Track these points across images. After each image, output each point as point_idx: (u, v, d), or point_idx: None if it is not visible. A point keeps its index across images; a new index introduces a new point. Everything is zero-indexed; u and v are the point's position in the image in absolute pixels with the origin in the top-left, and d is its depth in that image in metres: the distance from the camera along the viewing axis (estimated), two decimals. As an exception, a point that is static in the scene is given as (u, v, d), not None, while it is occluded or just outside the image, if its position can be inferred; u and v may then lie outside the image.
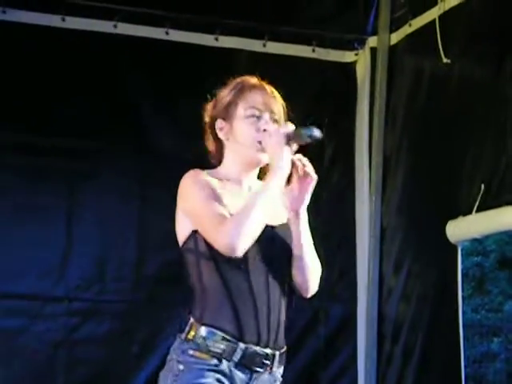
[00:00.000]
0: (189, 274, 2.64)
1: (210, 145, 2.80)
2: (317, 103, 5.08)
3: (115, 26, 4.73)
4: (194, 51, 4.88)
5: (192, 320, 2.57)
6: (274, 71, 4.96)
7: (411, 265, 4.73)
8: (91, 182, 4.78)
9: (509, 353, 9.88)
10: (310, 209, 5.03)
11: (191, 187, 2.64)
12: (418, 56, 4.84)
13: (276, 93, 2.76)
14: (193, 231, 2.61)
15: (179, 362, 2.54)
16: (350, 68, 5.16)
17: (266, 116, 2.68)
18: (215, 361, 2.53)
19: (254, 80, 2.78)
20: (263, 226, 2.55)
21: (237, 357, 2.53)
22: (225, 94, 2.74)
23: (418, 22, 4.78)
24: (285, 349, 2.74)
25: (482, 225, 4.08)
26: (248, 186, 2.70)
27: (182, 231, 2.66)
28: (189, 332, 2.55)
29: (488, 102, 4.15)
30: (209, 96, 2.88)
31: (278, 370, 2.71)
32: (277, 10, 4.98)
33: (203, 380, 2.52)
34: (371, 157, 5.06)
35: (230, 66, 4.98)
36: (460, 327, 4.26)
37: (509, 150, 3.97)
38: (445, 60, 4.45)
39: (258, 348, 2.56)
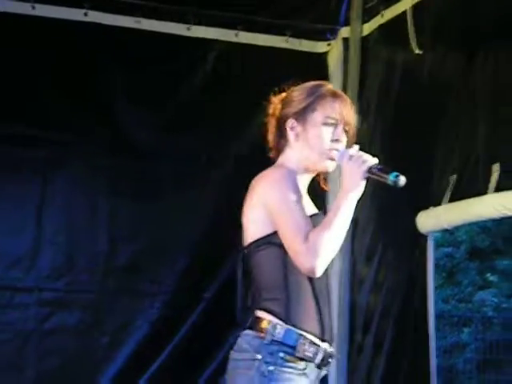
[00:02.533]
0: (263, 269, 2.59)
1: (272, 138, 2.78)
2: (289, 93, 5.07)
3: (86, 14, 4.69)
4: (166, 41, 4.85)
5: (274, 319, 2.54)
6: (247, 61, 5.05)
7: (382, 255, 4.75)
8: (62, 172, 4.75)
9: (478, 343, 9.96)
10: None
11: (282, 187, 2.58)
12: (390, 47, 4.85)
13: (351, 105, 2.74)
14: None
15: (268, 363, 2.52)
16: (322, 58, 5.16)
17: (341, 126, 2.68)
18: (303, 364, 2.57)
19: (334, 88, 2.77)
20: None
21: (319, 359, 2.58)
22: (302, 96, 2.73)
23: (390, 13, 4.79)
24: None
25: (452, 216, 4.10)
26: (305, 189, 2.71)
27: (261, 224, 2.60)
28: (273, 332, 2.53)
29: (459, 94, 4.16)
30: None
31: None
32: (250, 0, 4.97)
33: (294, 383, 2.54)
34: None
35: (202, 56, 4.97)
36: (430, 317, 4.29)
37: (479, 141, 3.99)
38: (416, 51, 4.46)
39: (329, 349, 2.61)
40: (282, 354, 2.52)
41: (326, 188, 2.76)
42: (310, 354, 2.54)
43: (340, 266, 4.97)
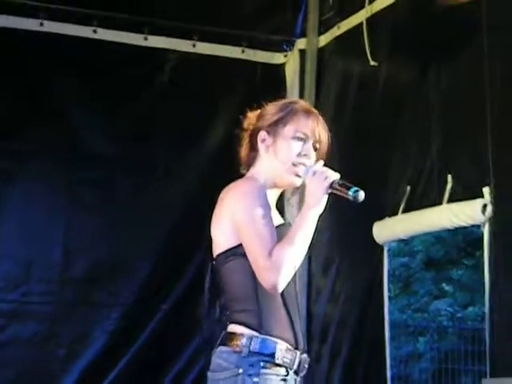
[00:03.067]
0: (232, 280, 2.60)
1: (244, 152, 2.80)
2: (246, 104, 5.07)
3: (41, 24, 4.67)
4: (123, 50, 4.84)
5: (248, 331, 2.55)
6: (204, 72, 5.06)
7: (339, 265, 4.77)
8: (17, 183, 4.71)
9: (434, 352, 10.05)
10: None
11: (250, 199, 2.59)
12: (346, 58, 4.89)
13: (324, 123, 2.76)
14: None
15: (251, 375, 2.52)
16: (279, 69, 5.19)
17: (310, 143, 2.70)
18: (283, 371, 2.57)
19: (308, 106, 2.79)
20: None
21: (296, 365, 2.59)
22: (275, 111, 2.75)
23: (346, 25, 4.83)
24: None
25: (407, 226, 4.14)
26: (273, 203, 2.71)
27: (229, 235, 2.60)
28: (249, 345, 2.53)
29: (413, 106, 4.21)
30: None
31: None
32: (206, 11, 4.98)
33: None
34: (300, 158, 5.09)
35: (159, 66, 4.97)
36: (386, 327, 4.32)
37: (433, 152, 4.04)
38: (372, 63, 4.51)
39: (304, 355, 2.63)
40: (262, 364, 2.54)
41: (292, 203, 2.78)
42: (288, 360, 2.56)
43: (298, 276, 4.98)
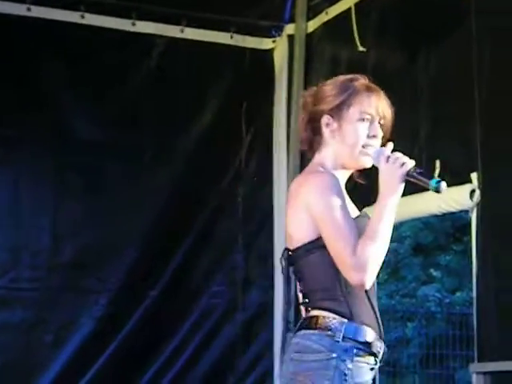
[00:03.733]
0: (313, 272, 2.55)
1: (305, 135, 2.69)
2: (235, 90, 5.08)
3: (29, 9, 4.64)
4: (110, 36, 4.82)
5: (337, 316, 2.51)
6: (192, 57, 5.05)
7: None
8: (5, 168, 4.70)
9: (422, 338, 10.09)
10: (227, 194, 5.08)
11: (328, 195, 2.52)
12: (335, 44, 4.88)
13: (386, 98, 2.67)
14: None
15: (345, 360, 2.49)
16: (267, 55, 5.18)
17: (376, 122, 2.62)
18: (373, 360, 2.55)
19: (367, 82, 2.68)
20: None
21: (382, 354, 2.57)
22: (336, 92, 2.63)
23: (335, 11, 4.82)
24: None
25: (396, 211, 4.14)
26: (343, 187, 2.66)
27: (307, 228, 2.54)
28: (343, 330, 2.49)
29: (401, 91, 4.20)
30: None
31: None
32: (195, -4, 4.96)
33: (367, 378, 2.54)
34: (289, 144, 5.09)
35: (147, 51, 4.95)
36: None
37: (421, 138, 4.04)
38: (360, 48, 4.50)
39: (383, 345, 2.61)
40: (355, 351, 2.50)
41: (361, 181, 2.68)
42: (379, 349, 2.55)
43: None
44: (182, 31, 4.96)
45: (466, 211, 4.02)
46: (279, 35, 5.16)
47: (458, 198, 3.77)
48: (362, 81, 2.66)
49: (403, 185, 2.52)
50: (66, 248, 4.74)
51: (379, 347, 2.54)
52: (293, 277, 2.66)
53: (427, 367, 9.85)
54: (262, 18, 5.14)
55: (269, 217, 5.10)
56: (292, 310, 4.58)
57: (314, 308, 2.54)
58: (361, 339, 2.51)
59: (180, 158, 4.96)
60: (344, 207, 2.52)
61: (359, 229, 2.51)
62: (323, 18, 4.93)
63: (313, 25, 5.05)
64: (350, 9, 4.60)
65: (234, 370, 4.95)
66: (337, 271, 2.51)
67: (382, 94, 2.65)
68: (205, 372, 4.88)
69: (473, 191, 3.66)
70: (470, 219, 3.96)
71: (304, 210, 2.54)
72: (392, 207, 2.52)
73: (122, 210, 4.81)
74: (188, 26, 4.96)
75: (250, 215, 5.10)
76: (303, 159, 5.05)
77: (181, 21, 4.95)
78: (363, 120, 2.60)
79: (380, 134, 2.62)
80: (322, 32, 4.98)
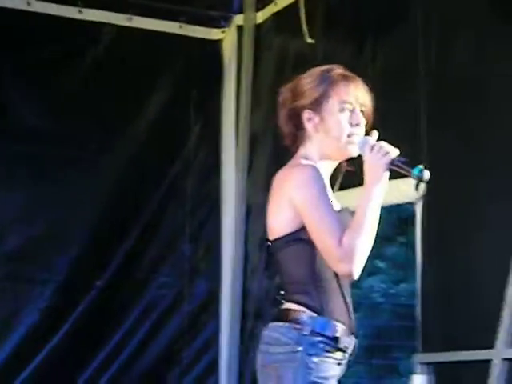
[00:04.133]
0: (291, 263, 2.55)
1: (287, 130, 2.67)
2: (184, 80, 5.06)
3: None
4: (57, 23, 4.76)
5: (307, 310, 2.52)
6: (140, 46, 5.01)
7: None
8: None
9: (366, 328, 10.18)
10: (175, 185, 5.06)
11: (312, 188, 2.52)
12: (284, 35, 4.88)
13: (364, 84, 2.66)
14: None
15: (311, 355, 2.50)
16: (217, 45, 5.17)
17: (357, 109, 2.62)
18: (341, 355, 2.56)
19: (342, 70, 2.66)
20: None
21: (351, 350, 2.59)
22: (312, 85, 2.62)
23: (283, 2, 4.82)
24: None
25: (343, 204, 4.15)
26: (328, 178, 2.65)
27: (288, 220, 2.55)
28: (312, 324, 2.51)
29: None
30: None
31: None
32: (143, -15, 4.93)
33: (333, 373, 2.54)
34: (238, 135, 5.09)
35: (94, 39, 4.90)
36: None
37: (368, 130, 4.06)
38: (309, 40, 4.51)
39: (354, 340, 2.62)
40: (322, 345, 2.51)
41: (351, 168, 2.68)
42: (347, 344, 2.56)
43: (233, 253, 4.99)
44: (130, 20, 4.92)
45: (412, 203, 4.06)
46: (228, 26, 5.15)
47: (403, 190, 3.80)
48: (337, 71, 2.65)
49: (388, 173, 2.54)
50: (10, 237, 4.68)
51: (347, 342, 2.55)
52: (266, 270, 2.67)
53: (372, 357, 9.95)
54: (211, 7, 5.12)
55: (217, 207, 5.09)
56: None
57: (287, 301, 2.56)
58: (329, 334, 2.52)
59: (127, 148, 4.93)
60: (327, 200, 2.53)
61: (342, 223, 2.51)
62: (272, 8, 4.93)
63: (262, 15, 5.04)
64: (298, 0, 4.60)
65: (180, 361, 4.95)
66: (312, 265, 2.52)
67: (359, 82, 2.64)
68: (149, 364, 4.87)
69: (418, 183, 3.69)
70: (415, 211, 4.00)
71: (286, 202, 2.54)
72: (377, 196, 2.54)
73: (67, 200, 4.76)
74: (136, 14, 4.93)
75: (198, 206, 5.09)
76: (252, 150, 5.07)
77: (129, 9, 4.91)
78: (344, 110, 2.60)
79: (363, 121, 2.62)
80: (271, 23, 4.98)
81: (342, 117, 2.60)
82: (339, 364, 2.57)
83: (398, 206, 4.20)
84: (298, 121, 2.64)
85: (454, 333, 3.75)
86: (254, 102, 5.05)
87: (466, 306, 3.70)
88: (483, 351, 3.45)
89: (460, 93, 3.78)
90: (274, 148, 4.87)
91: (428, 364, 3.78)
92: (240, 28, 5.11)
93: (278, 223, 2.57)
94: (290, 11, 4.72)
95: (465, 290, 3.71)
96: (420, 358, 3.85)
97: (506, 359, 3.32)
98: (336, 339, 2.52)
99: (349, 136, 2.60)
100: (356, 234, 2.48)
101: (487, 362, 3.37)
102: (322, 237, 2.49)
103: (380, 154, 2.54)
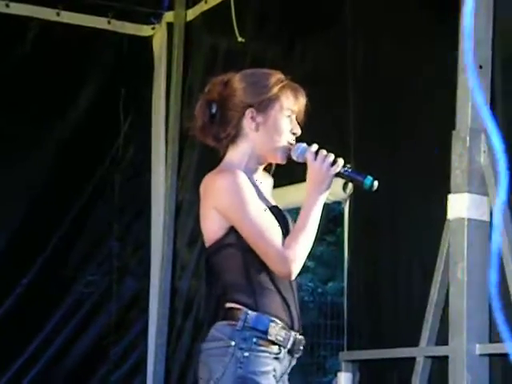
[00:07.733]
0: (224, 268, 2.59)
1: (215, 127, 2.63)
2: (113, 76, 5.02)
3: None
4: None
5: (243, 308, 2.56)
6: (68, 42, 4.95)
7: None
8: None
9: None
10: (104, 182, 5.02)
11: (240, 193, 2.53)
12: (214, 34, 4.88)
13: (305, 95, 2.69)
14: (231, 226, 2.57)
15: (242, 349, 2.54)
16: (146, 42, 5.13)
17: (294, 117, 2.65)
18: (276, 349, 2.58)
19: (295, 84, 2.68)
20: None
21: (290, 344, 2.60)
22: (260, 86, 2.62)
23: (213, 0, 4.82)
24: None
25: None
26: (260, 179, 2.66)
27: (215, 227, 2.58)
28: (245, 319, 2.55)
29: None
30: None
31: None
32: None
33: (267, 368, 2.56)
34: (168, 133, 5.07)
35: (21, 34, 4.82)
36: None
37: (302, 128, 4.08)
38: (239, 39, 4.51)
39: (299, 335, 2.63)
40: (255, 339, 2.54)
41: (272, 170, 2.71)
42: (281, 338, 2.57)
43: (162, 251, 4.97)
44: (58, 14, 4.86)
45: (339, 202, 4.11)
46: (158, 22, 5.12)
47: (331, 190, 3.83)
48: (284, 77, 2.67)
49: (332, 182, 2.61)
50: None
51: (283, 337, 2.58)
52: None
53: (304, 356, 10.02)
54: (141, 4, 5.09)
55: (146, 205, 5.07)
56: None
57: (228, 301, 2.60)
58: (261, 328, 2.56)
59: (55, 144, 4.87)
60: (257, 202, 2.56)
61: (280, 222, 2.58)
62: (203, 6, 4.93)
63: (192, 13, 5.03)
64: (229, -2, 4.60)
65: (107, 359, 4.91)
66: (244, 267, 2.57)
67: (303, 93, 2.69)
68: (76, 362, 4.82)
69: (346, 183, 3.73)
70: (343, 210, 4.05)
71: (212, 210, 2.58)
72: (320, 204, 2.62)
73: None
74: (64, 9, 4.87)
75: (127, 203, 5.05)
76: (182, 148, 5.05)
77: (57, 4, 4.84)
78: (289, 117, 2.64)
79: (299, 132, 2.67)
80: (202, 21, 4.97)
81: (286, 121, 2.64)
82: (276, 358, 2.59)
83: (326, 205, 4.23)
84: (234, 118, 2.62)
85: (380, 331, 3.80)
86: (184, 100, 5.04)
87: (392, 305, 3.75)
88: (407, 349, 3.50)
89: (386, 94, 3.83)
90: (203, 146, 4.85)
91: (353, 362, 3.82)
92: (170, 25, 5.09)
93: (207, 230, 2.62)
94: (220, 9, 4.72)
95: (390, 288, 3.77)
96: (345, 355, 3.89)
97: (429, 357, 3.38)
98: (266, 332, 2.56)
99: (288, 142, 2.64)
100: (298, 238, 2.57)
101: (411, 359, 3.42)
102: (260, 242, 2.55)
103: (326, 163, 2.60)
